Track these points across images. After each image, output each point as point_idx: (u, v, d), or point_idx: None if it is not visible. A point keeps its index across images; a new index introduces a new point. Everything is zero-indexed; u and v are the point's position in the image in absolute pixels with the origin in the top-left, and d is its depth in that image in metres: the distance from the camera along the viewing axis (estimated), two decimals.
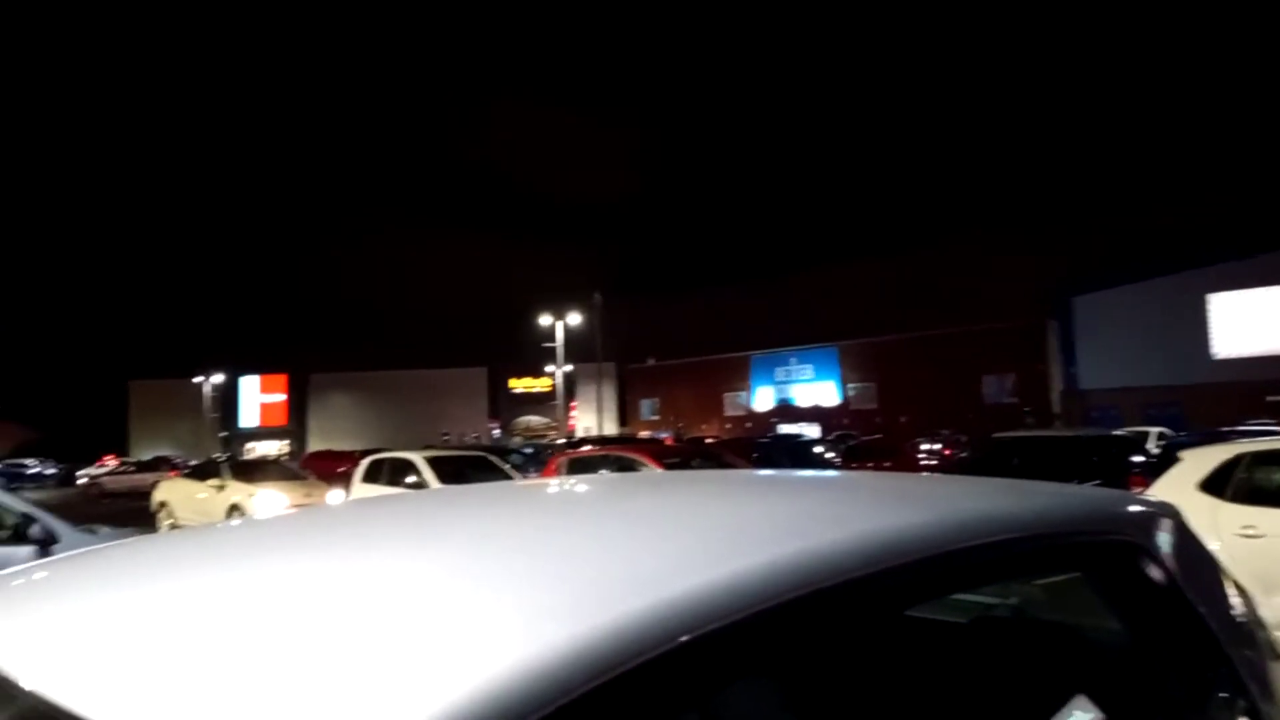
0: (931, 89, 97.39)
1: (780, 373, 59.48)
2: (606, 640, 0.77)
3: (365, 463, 14.61)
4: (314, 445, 60.80)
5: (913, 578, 1.09)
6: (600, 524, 1.27)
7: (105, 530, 7.63)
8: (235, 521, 1.59)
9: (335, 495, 16.77)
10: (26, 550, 6.53)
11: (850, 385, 56.28)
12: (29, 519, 6.68)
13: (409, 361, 71.54)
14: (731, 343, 61.78)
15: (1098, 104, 77.99)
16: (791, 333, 58.73)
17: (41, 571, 1.30)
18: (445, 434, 59.58)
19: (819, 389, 57.45)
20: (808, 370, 58.14)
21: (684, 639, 0.80)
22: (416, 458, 13.41)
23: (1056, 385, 47.45)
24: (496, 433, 67.60)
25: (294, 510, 1.82)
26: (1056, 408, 46.09)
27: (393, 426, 63.33)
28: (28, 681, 0.83)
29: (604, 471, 11.36)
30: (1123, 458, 11.60)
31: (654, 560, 1.00)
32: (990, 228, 56.73)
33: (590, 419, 57.33)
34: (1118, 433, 14.30)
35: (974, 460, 16.36)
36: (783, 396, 59.08)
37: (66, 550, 6.64)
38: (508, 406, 71.17)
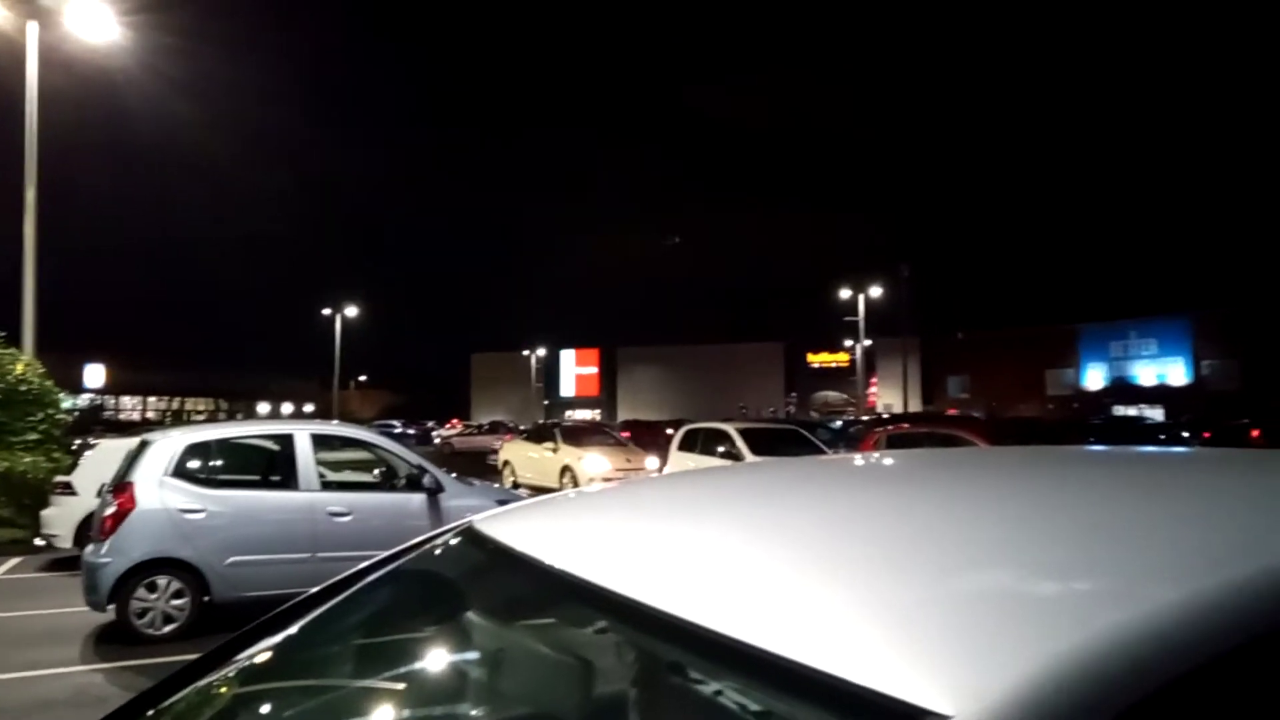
0: None
1: (1116, 347, 53.09)
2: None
3: (681, 432, 15.23)
4: (621, 415, 64.68)
5: None
6: (1138, 491, 1.18)
7: (477, 482, 8.67)
8: (738, 465, 1.70)
9: (652, 462, 17.72)
10: (420, 497, 7.61)
11: (1205, 362, 48.87)
12: (423, 470, 7.76)
13: (709, 336, 73.59)
14: (1056, 313, 56.25)
15: None
16: (1130, 301, 52.20)
17: (578, 499, 1.49)
18: (742, 407, 60.55)
19: (1164, 366, 50.57)
20: (1150, 345, 51.32)
21: None
22: (730, 429, 13.72)
23: None
24: (791, 408, 67.43)
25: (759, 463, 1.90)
26: None
27: (693, 399, 65.50)
28: (594, 578, 0.94)
29: (927, 449, 10.85)
30: None
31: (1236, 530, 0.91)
32: None
33: (891, 396, 55.28)
34: None
35: None
36: (1118, 374, 52.76)
37: (451, 498, 7.64)
38: (804, 381, 70.71)
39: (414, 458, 7.97)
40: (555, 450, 18.10)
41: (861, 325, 43.72)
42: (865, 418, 35.14)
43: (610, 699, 1.06)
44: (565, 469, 17.35)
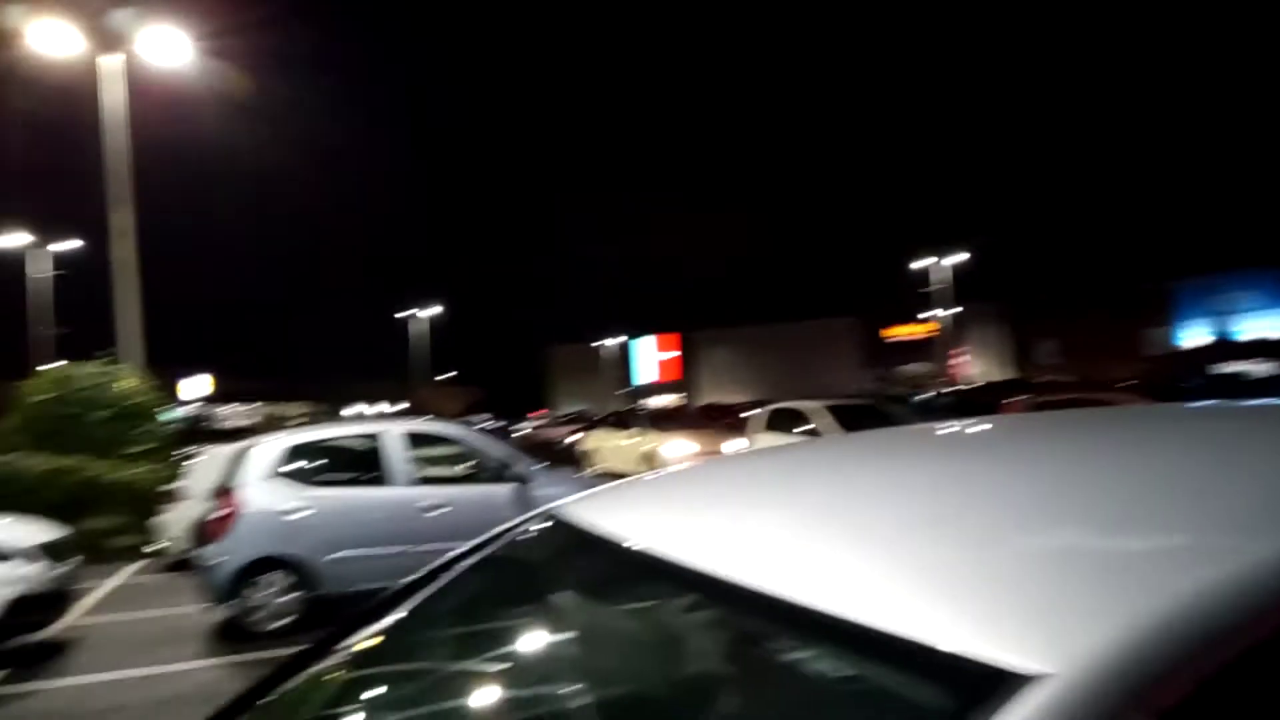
0: None
1: (1215, 302, 50.45)
2: None
3: (765, 412, 15.13)
4: (702, 399, 64.53)
5: None
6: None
7: (564, 471, 8.79)
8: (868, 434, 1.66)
9: (736, 444, 17.61)
10: (508, 487, 7.73)
11: None
12: (509, 462, 7.90)
13: (787, 314, 72.77)
14: (1147, 270, 53.77)
15: None
16: (1226, 253, 49.56)
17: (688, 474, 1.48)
18: (823, 386, 59.69)
19: (1269, 319, 47.80)
20: (1252, 298, 48.58)
21: None
22: (815, 406, 13.59)
23: None
24: (874, 383, 66.23)
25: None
26: None
27: (773, 379, 64.79)
28: (710, 567, 0.90)
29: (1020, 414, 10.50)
30: None
31: None
32: None
33: (980, 364, 53.76)
34: None
35: None
36: (1220, 330, 50.10)
37: (538, 488, 7.74)
38: (885, 356, 69.24)
39: (501, 450, 8.11)
40: (638, 436, 18.19)
41: (943, 293, 42.61)
42: (950, 389, 34.26)
43: (697, 676, 1.07)
44: (649, 455, 17.41)
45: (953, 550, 0.81)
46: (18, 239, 29.60)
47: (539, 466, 8.17)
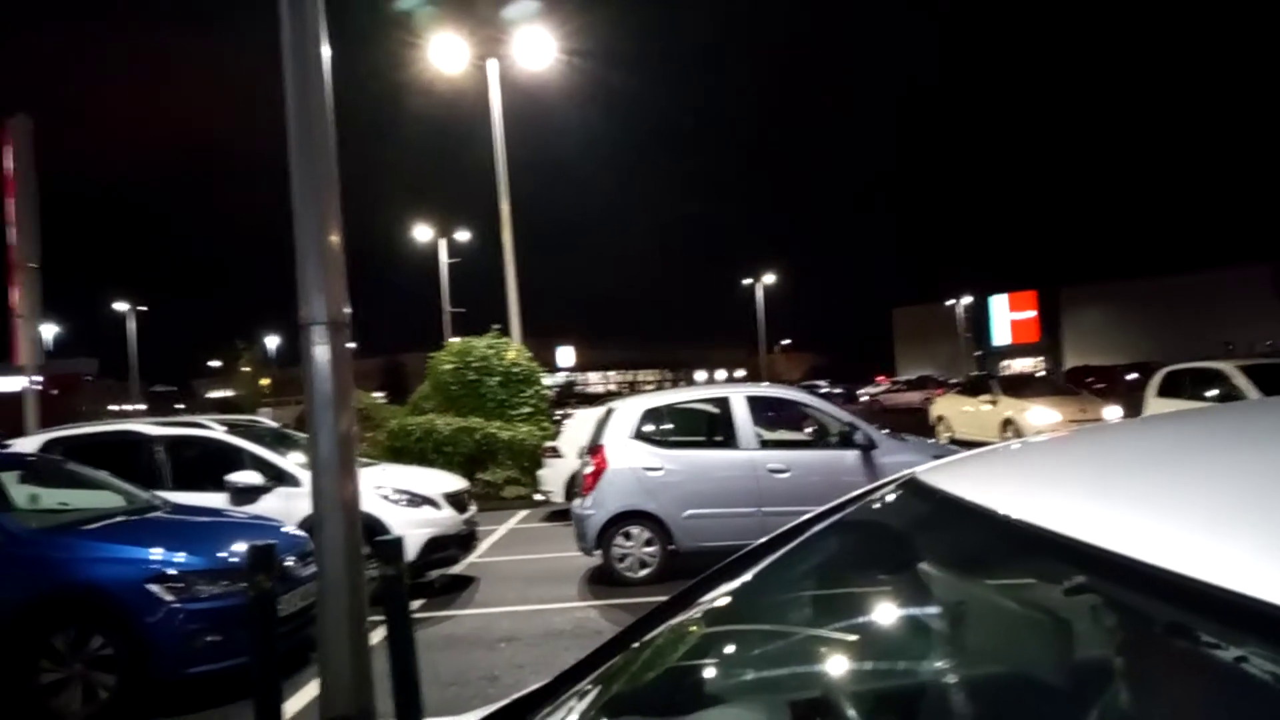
0: None
1: None
2: None
3: (1160, 375, 13.28)
4: (1069, 361, 58.42)
5: None
6: None
7: (910, 438, 8.41)
8: None
9: (1112, 411, 15.73)
10: (854, 453, 7.60)
11: None
12: (854, 427, 7.75)
13: (1171, 265, 63.03)
14: None
15: None
16: None
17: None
18: (1228, 344, 50.90)
19: None
20: None
21: None
22: (1227, 367, 11.63)
23: None
24: None
25: None
26: None
27: (1155, 338, 56.74)
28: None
29: None
30: None
31: None
32: None
33: None
34: None
35: None
36: None
37: (885, 454, 7.50)
38: None
39: (845, 415, 7.99)
40: (994, 402, 16.95)
41: None
42: None
43: (1089, 661, 0.95)
44: (1007, 422, 16.14)
45: None
46: (426, 233, 35.14)
47: (885, 432, 7.92)
